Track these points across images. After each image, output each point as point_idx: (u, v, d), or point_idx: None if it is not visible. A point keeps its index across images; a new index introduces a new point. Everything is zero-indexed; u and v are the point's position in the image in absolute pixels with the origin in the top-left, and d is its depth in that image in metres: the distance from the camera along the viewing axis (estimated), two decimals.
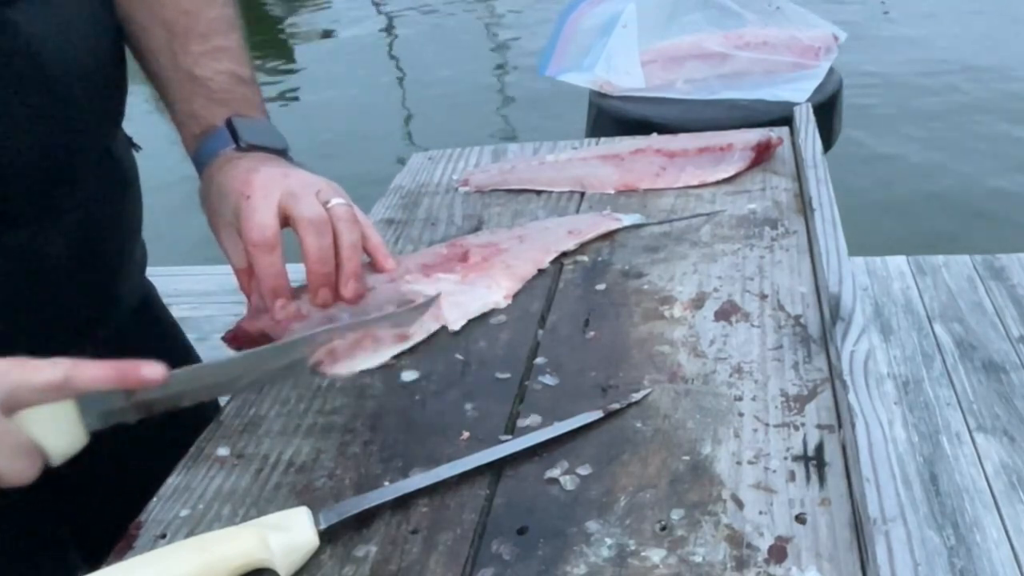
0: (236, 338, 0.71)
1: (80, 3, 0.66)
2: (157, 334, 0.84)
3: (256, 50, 6.88)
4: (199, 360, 0.89)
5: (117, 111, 0.71)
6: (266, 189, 0.66)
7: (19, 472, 0.50)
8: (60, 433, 0.52)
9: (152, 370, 0.52)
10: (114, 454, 0.76)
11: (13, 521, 0.69)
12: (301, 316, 0.71)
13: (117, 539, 0.55)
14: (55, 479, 0.72)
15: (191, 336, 0.89)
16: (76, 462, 0.71)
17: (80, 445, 0.53)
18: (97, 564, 0.52)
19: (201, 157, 0.72)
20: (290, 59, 6.59)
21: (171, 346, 0.86)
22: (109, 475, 0.75)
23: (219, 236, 0.70)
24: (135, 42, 0.74)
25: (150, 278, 0.85)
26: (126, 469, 0.72)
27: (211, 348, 0.81)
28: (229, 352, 0.71)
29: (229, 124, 0.71)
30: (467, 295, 0.73)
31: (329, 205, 0.66)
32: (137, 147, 0.78)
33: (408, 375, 0.66)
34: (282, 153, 0.72)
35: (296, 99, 5.40)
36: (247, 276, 0.69)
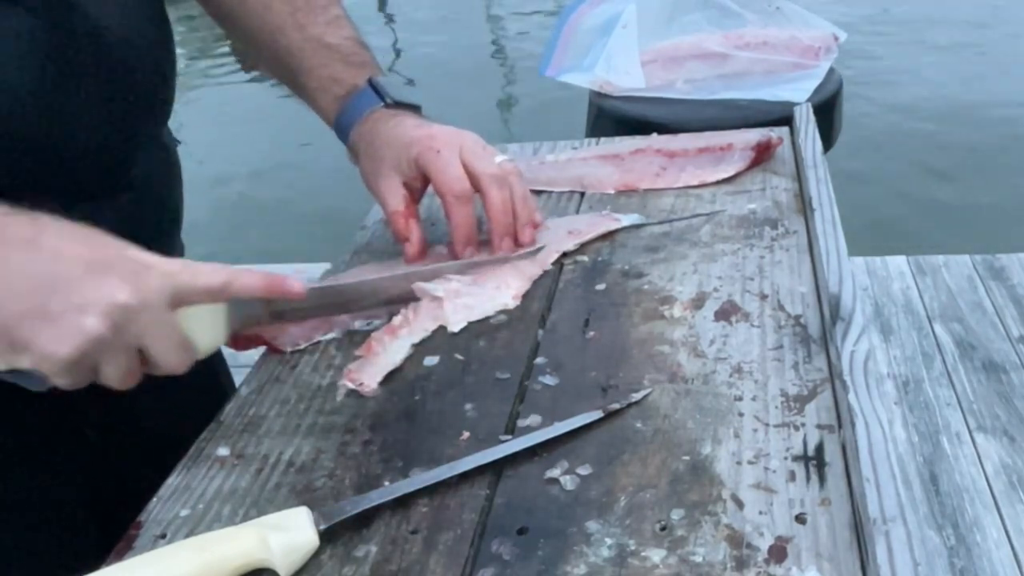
0: (234, 340, 0.71)
1: None
2: None
3: None
4: (225, 362, 0.90)
5: (170, 95, 0.74)
6: (451, 145, 0.73)
7: (176, 362, 0.56)
8: (209, 331, 0.59)
9: (294, 284, 0.61)
10: (136, 425, 0.77)
11: (25, 489, 0.69)
12: (298, 321, 0.72)
13: (131, 511, 0.57)
14: (75, 451, 0.72)
15: None
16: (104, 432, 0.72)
17: (222, 343, 0.61)
18: (111, 537, 0.54)
19: (349, 115, 0.79)
20: None
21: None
22: (129, 446, 0.76)
23: (377, 181, 0.77)
24: (255, 21, 0.79)
25: None
26: (147, 441, 0.73)
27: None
28: (229, 351, 0.72)
29: (372, 84, 0.78)
30: (476, 296, 0.73)
31: (498, 160, 0.75)
32: (177, 140, 0.81)
33: (408, 374, 0.66)
34: (418, 109, 0.79)
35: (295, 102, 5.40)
36: (404, 217, 0.76)
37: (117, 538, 0.55)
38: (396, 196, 0.76)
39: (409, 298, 0.72)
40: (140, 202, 0.70)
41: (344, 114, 0.79)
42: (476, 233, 0.75)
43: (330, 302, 0.70)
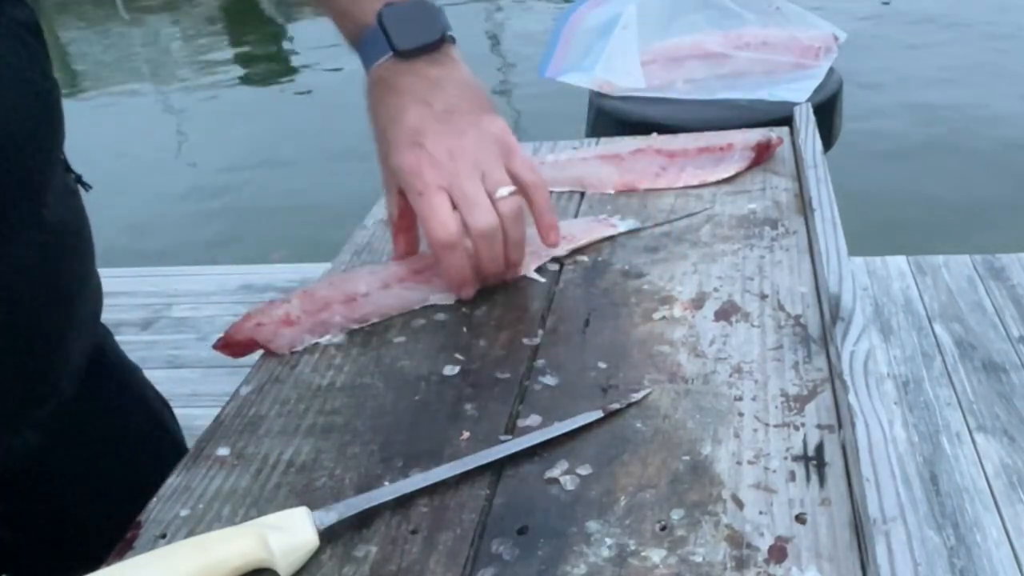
0: (227, 346, 0.71)
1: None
2: (112, 389, 0.81)
3: (252, 47, 6.89)
4: (162, 407, 0.86)
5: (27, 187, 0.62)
6: (435, 188, 0.64)
7: None
8: None
9: None
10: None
11: None
12: (291, 322, 0.71)
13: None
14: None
15: (191, 336, 0.89)
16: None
17: None
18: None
19: (364, 63, 0.67)
20: (288, 59, 6.59)
21: (128, 400, 0.83)
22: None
23: (383, 173, 0.71)
24: None
25: (153, 277, 0.84)
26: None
27: (209, 348, 0.81)
28: (223, 359, 0.71)
29: (381, 22, 0.64)
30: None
31: (496, 197, 0.66)
32: (88, 185, 0.73)
33: (408, 374, 0.66)
34: (440, 44, 0.65)
35: (296, 98, 5.40)
36: (396, 230, 0.73)
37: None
38: (392, 204, 0.72)
39: None
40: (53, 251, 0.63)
41: (362, 60, 0.67)
42: (470, 277, 0.70)
43: None
